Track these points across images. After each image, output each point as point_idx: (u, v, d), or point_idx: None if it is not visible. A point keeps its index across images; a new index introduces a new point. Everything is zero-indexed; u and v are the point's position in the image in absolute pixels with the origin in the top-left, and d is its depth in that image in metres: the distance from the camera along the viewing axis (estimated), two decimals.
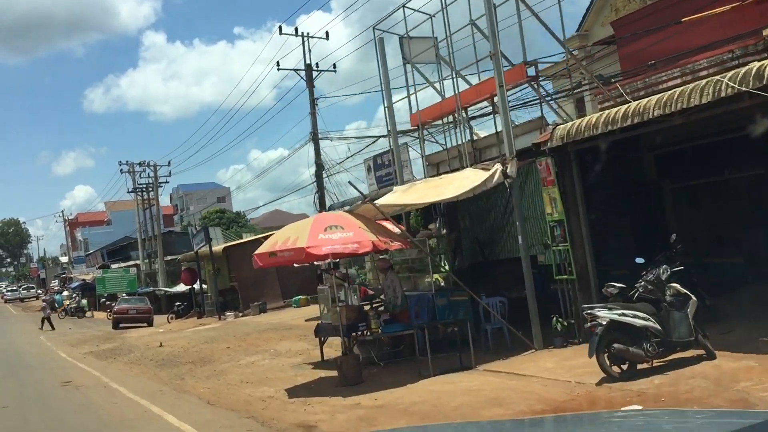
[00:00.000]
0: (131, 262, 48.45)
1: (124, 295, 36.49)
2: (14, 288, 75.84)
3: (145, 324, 28.42)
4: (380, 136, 22.04)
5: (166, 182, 46.22)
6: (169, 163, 45.30)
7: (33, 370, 16.05)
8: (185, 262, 33.71)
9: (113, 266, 48.50)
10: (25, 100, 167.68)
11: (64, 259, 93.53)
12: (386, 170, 18.36)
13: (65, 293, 47.82)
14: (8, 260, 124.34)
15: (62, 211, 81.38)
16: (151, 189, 46.33)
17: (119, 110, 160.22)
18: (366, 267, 24.49)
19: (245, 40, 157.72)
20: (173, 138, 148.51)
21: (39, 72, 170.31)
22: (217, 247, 28.86)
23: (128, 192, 46.95)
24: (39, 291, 69.88)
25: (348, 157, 25.97)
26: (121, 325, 28.25)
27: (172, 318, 29.79)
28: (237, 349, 15.81)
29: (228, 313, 26.08)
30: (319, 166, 24.57)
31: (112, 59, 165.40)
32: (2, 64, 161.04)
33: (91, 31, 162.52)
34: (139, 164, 45.16)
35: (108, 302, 43.06)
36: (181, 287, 39.38)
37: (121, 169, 47.02)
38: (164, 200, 47.96)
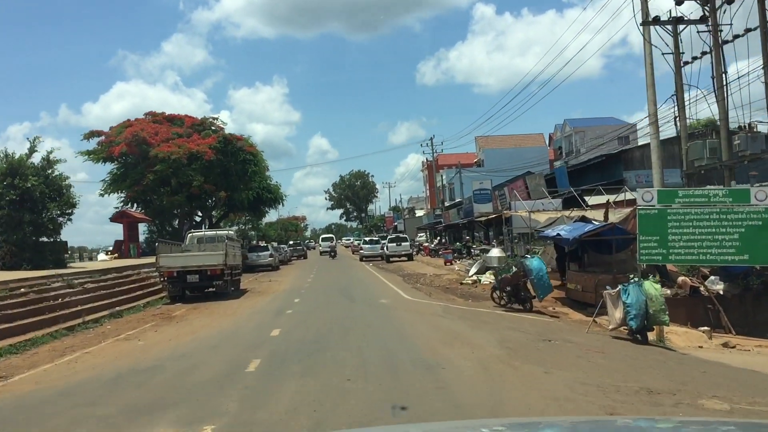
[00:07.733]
0: (626, 194, 21.66)
1: None
2: (374, 239, 48.56)
3: None
4: None
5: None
6: None
7: None
8: None
9: (593, 198, 22.17)
10: (368, 73, 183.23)
11: (419, 213, 74.32)
12: None
13: (495, 251, 23.09)
14: (354, 214, 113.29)
15: (431, 139, 59.42)
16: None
17: (447, 83, 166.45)
18: None
19: (574, 8, 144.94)
20: (497, 109, 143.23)
21: (380, 47, 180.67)
22: None
23: (639, 25, 19.95)
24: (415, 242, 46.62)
25: None
26: None
27: None
28: None
29: None
30: None
31: (444, 33, 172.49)
32: (347, 41, 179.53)
33: (427, 6, 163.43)
34: None
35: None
36: None
37: None
38: None
